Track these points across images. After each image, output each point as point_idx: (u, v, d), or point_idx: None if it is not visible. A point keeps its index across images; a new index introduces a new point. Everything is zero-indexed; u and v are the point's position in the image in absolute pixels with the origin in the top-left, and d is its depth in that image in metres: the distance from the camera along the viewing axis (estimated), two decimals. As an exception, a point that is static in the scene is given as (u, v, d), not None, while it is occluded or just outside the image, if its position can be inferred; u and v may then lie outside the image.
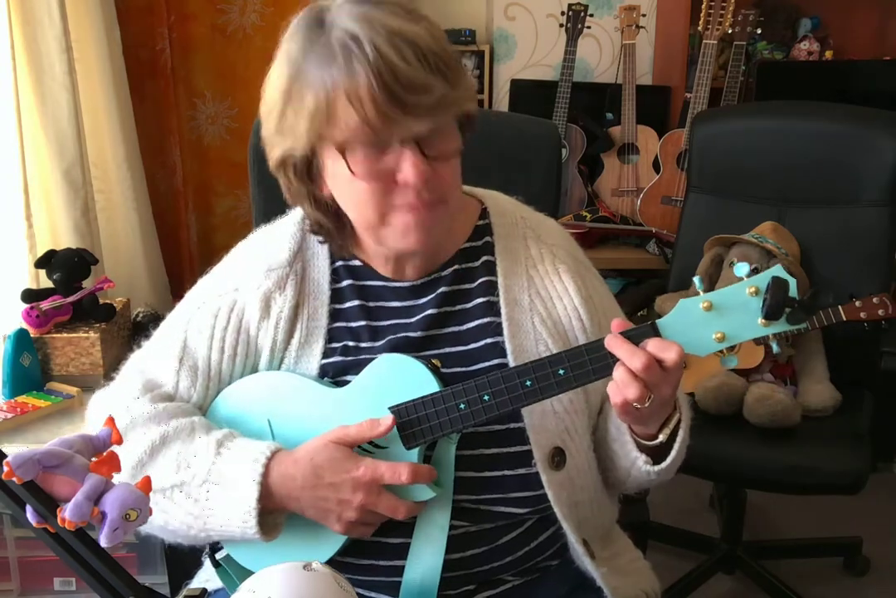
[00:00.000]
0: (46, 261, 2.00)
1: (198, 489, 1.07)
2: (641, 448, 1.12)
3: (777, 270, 0.96)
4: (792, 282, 0.95)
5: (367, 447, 1.09)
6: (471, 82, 1.10)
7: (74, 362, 1.92)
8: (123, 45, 2.53)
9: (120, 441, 0.88)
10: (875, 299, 1.99)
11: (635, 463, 1.13)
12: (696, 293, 0.99)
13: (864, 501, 2.15)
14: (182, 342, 1.18)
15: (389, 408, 1.07)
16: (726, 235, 2.18)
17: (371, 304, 1.19)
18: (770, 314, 0.95)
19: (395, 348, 1.15)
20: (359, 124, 0.99)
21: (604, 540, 1.26)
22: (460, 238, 1.21)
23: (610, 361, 1.00)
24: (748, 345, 2.06)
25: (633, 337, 0.99)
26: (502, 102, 3.29)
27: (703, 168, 2.33)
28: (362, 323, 1.18)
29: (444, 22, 3.16)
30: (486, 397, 1.04)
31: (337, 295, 1.19)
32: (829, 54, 3.21)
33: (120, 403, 1.16)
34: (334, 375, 1.15)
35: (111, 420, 0.90)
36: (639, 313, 2.33)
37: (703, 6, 2.89)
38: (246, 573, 1.09)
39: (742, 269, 0.97)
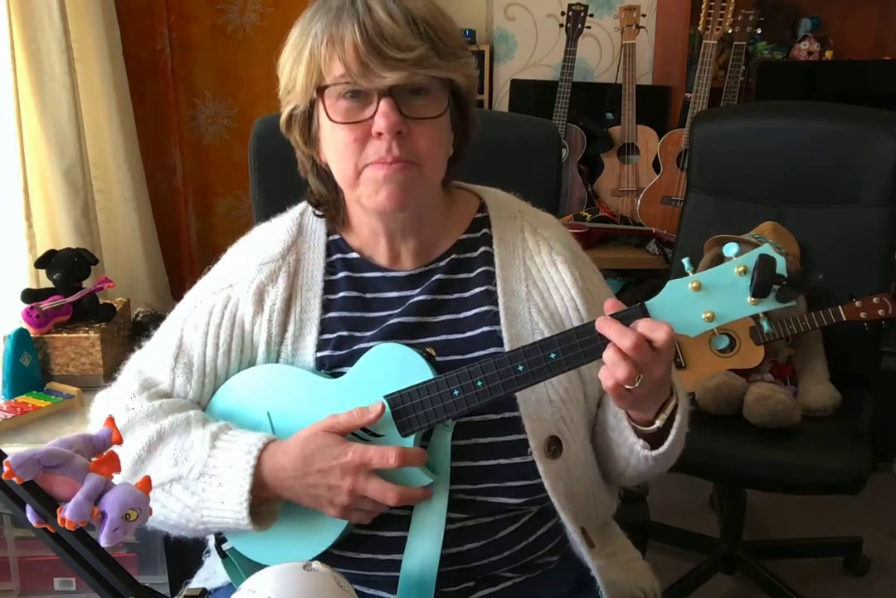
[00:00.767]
0: (46, 261, 2.00)
1: (195, 483, 1.09)
2: (639, 434, 1.13)
3: (765, 249, 0.97)
4: (780, 259, 0.96)
5: (363, 435, 1.10)
6: (468, 62, 1.14)
7: (74, 362, 1.92)
8: (123, 45, 2.53)
9: (120, 441, 0.89)
10: (875, 299, 2.00)
11: (633, 449, 1.14)
12: (686, 274, 0.99)
13: (864, 501, 2.15)
14: (178, 340, 1.20)
15: (384, 396, 1.08)
16: (726, 235, 2.18)
17: (368, 295, 1.20)
18: (758, 292, 0.95)
19: (390, 335, 1.16)
20: (341, 72, 1.06)
21: (602, 535, 1.26)
22: (458, 230, 1.23)
23: (600, 342, 1.00)
24: (748, 345, 2.07)
25: (623, 318, 1.00)
26: (502, 102, 3.29)
27: (703, 168, 2.33)
28: (356, 313, 1.19)
29: (444, 22, 3.15)
30: (479, 383, 1.05)
31: (330, 286, 1.21)
32: (829, 54, 3.21)
33: (119, 402, 1.17)
34: (331, 366, 1.16)
35: (111, 420, 0.90)
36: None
37: (703, 6, 2.89)
38: (251, 564, 1.12)
39: (730, 249, 0.98)
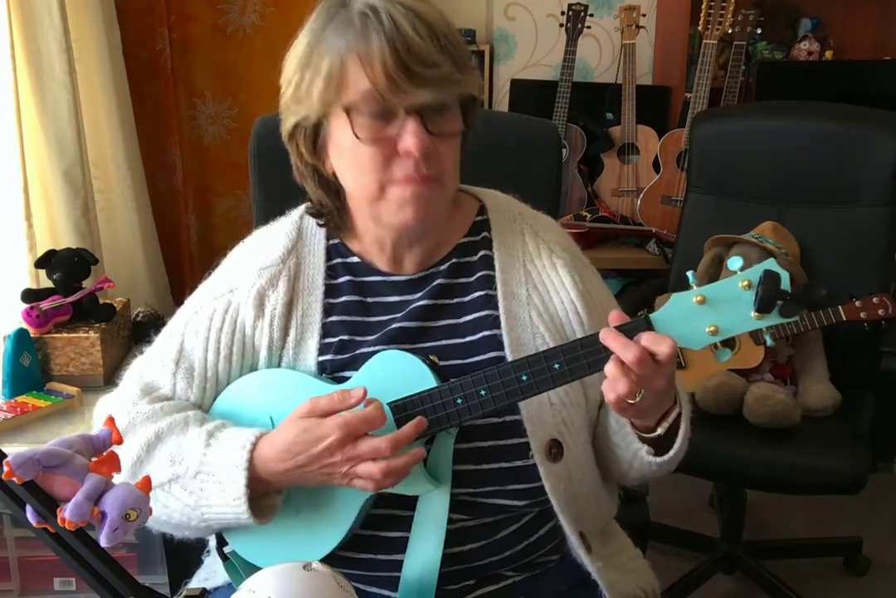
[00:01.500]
0: (46, 261, 2.00)
1: (192, 481, 1.09)
2: (643, 440, 1.13)
3: (769, 264, 0.97)
4: (784, 275, 0.96)
5: None
6: (476, 72, 1.13)
7: (74, 362, 1.92)
8: (123, 45, 2.53)
9: (120, 441, 0.89)
10: (875, 299, 1.99)
11: (637, 454, 1.14)
12: (690, 288, 1.00)
13: (864, 501, 2.15)
14: (179, 345, 1.20)
15: (388, 404, 1.08)
16: (726, 235, 2.18)
17: (369, 299, 1.20)
18: (762, 307, 0.96)
19: (391, 339, 1.16)
20: (368, 89, 1.04)
21: (603, 536, 1.26)
22: (458, 233, 1.23)
23: (604, 354, 1.01)
24: (748, 345, 2.06)
25: (627, 331, 1.00)
26: (502, 102, 3.29)
27: (703, 168, 2.33)
28: (357, 317, 1.19)
29: (444, 22, 3.15)
30: (482, 392, 1.05)
31: (332, 290, 1.20)
32: (829, 54, 3.21)
33: (121, 407, 1.17)
34: (332, 370, 1.16)
35: (111, 420, 0.90)
36: (639, 313, 2.32)
37: (703, 6, 2.89)
38: (252, 568, 1.11)
39: (735, 263, 0.98)
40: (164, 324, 1.27)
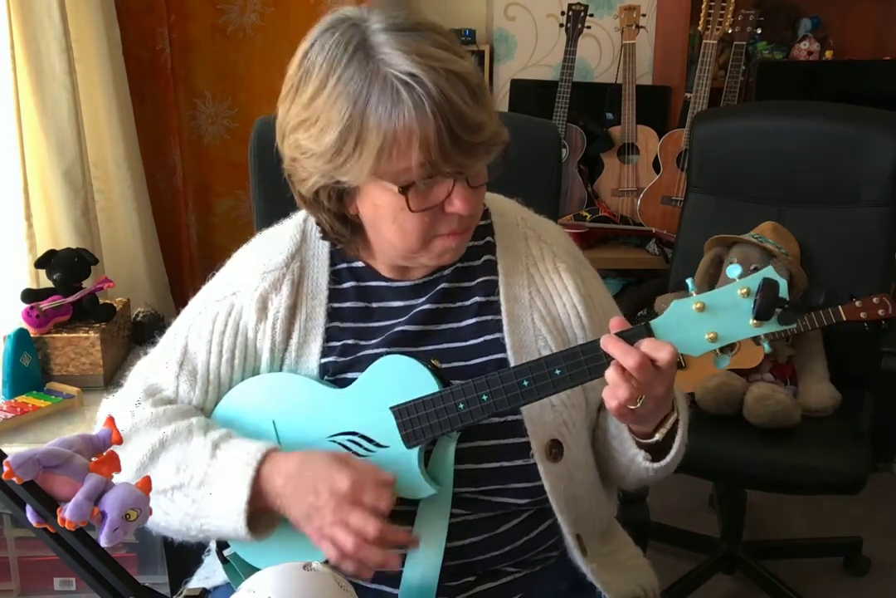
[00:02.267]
0: (46, 261, 2.00)
1: (196, 491, 1.09)
2: (640, 445, 1.14)
3: (768, 272, 0.98)
4: (782, 283, 0.97)
5: (369, 447, 1.11)
6: (493, 101, 1.12)
7: (74, 362, 1.92)
8: (123, 45, 2.53)
9: (120, 441, 0.89)
10: (875, 299, 1.99)
11: (635, 460, 1.15)
12: (690, 295, 1.01)
13: (864, 501, 2.15)
14: (183, 348, 1.20)
15: (390, 408, 1.09)
16: (726, 235, 2.18)
17: (374, 305, 1.21)
18: (761, 315, 0.97)
19: (393, 342, 1.16)
20: (422, 163, 1.02)
21: (603, 536, 1.27)
22: None
23: (605, 360, 1.02)
24: (748, 345, 2.06)
25: (628, 337, 1.01)
26: (502, 103, 3.29)
27: (703, 168, 2.33)
28: (361, 323, 1.19)
29: (444, 22, 3.13)
30: (484, 397, 1.06)
31: (336, 295, 1.20)
32: (829, 54, 3.21)
33: (124, 408, 1.18)
34: (335, 371, 1.16)
35: (111, 420, 0.90)
36: (639, 314, 2.33)
37: (703, 6, 2.89)
38: (252, 570, 1.10)
39: (734, 270, 0.99)
40: (164, 324, 1.27)
